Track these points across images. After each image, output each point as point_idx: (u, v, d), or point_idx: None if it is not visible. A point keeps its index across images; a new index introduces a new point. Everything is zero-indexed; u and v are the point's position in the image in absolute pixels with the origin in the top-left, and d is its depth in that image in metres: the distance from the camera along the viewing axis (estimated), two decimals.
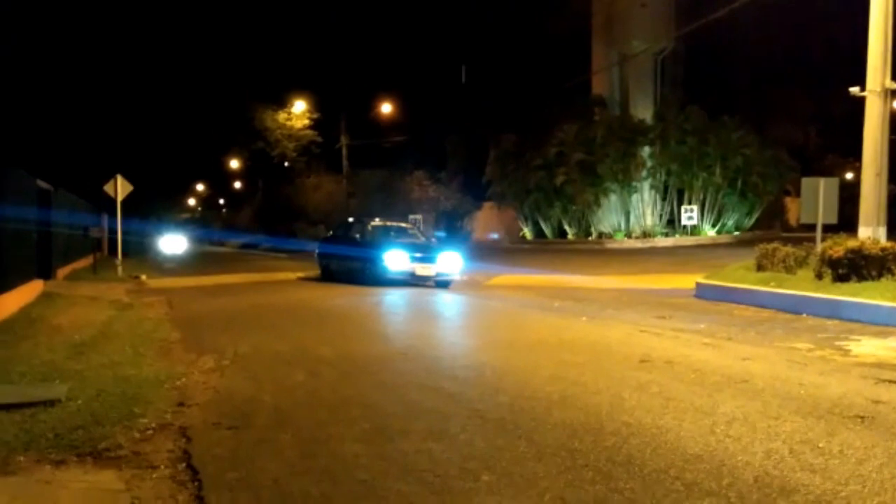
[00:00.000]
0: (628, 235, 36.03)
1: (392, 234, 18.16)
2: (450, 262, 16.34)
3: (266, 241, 45.78)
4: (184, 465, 4.02)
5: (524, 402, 5.21)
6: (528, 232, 41.96)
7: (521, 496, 3.42)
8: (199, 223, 72.96)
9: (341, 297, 13.96)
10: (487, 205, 45.95)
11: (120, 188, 18.96)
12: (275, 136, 51.51)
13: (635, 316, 10.13)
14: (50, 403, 5.17)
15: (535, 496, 3.41)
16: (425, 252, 16.43)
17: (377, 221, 19.41)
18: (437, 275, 16.14)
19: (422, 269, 16.01)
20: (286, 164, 53.48)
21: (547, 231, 40.34)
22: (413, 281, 16.13)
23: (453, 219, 50.05)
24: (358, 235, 18.01)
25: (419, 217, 45.41)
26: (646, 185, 36.63)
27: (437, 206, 49.00)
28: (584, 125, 37.03)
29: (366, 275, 16.35)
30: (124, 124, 40.74)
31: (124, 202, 19.70)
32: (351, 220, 22.23)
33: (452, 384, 5.84)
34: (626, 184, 36.22)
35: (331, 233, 21.95)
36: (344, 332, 9.24)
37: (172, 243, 42.87)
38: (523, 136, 39.61)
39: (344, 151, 47.54)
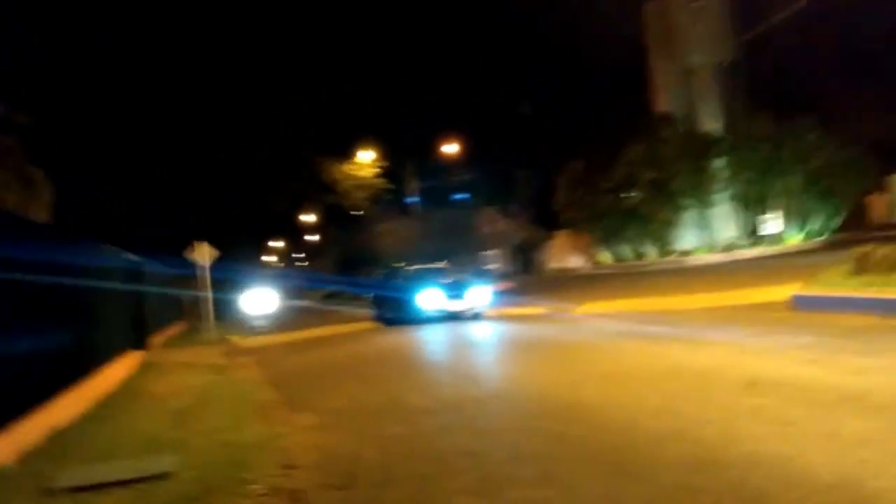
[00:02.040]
0: (710, 250, 35.19)
1: (426, 275, 19.96)
2: (478, 296, 18.24)
3: (347, 288, 46.44)
4: None
5: (632, 438, 5.04)
6: (604, 257, 41.48)
7: None
8: (281, 276, 74.63)
9: (418, 340, 14.45)
10: (560, 233, 45.74)
11: (207, 254, 19.59)
12: (344, 187, 52.51)
13: (732, 336, 9.79)
14: (162, 476, 5.26)
15: None
16: (455, 289, 18.27)
17: (413, 266, 21.66)
18: (468, 309, 17.95)
19: (453, 305, 17.92)
20: (359, 212, 54.42)
21: (624, 253, 39.80)
22: (447, 316, 17.87)
23: (527, 251, 49.95)
24: (399, 280, 20.16)
25: (493, 252, 45.50)
26: (722, 197, 35.87)
27: (509, 239, 49.03)
28: (651, 143, 36.61)
29: (406, 315, 18.24)
30: (201, 192, 42.26)
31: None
32: (391, 267, 25.00)
33: (554, 424, 5.72)
34: (702, 198, 35.55)
35: (379, 279, 24.22)
36: (430, 377, 9.25)
37: (258, 300, 43.69)
38: (590, 161, 39.41)
39: (413, 195, 48.11)
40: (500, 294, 28.03)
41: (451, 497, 4.22)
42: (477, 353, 12.14)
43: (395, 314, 19.08)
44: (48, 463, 5.85)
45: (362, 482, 4.79)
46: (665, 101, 39.17)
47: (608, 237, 40.02)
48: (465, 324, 17.04)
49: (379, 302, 21.19)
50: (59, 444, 6.60)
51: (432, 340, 15.06)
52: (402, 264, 22.88)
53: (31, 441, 6.52)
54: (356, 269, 51.47)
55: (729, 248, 34.78)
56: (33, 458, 6.03)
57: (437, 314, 17.90)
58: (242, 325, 28.11)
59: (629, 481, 4.13)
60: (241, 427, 6.91)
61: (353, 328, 19.78)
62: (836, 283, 12.08)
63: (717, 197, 35.69)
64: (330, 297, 48.22)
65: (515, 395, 7.24)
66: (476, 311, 18.06)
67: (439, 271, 20.95)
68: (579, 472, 4.41)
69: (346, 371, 10.87)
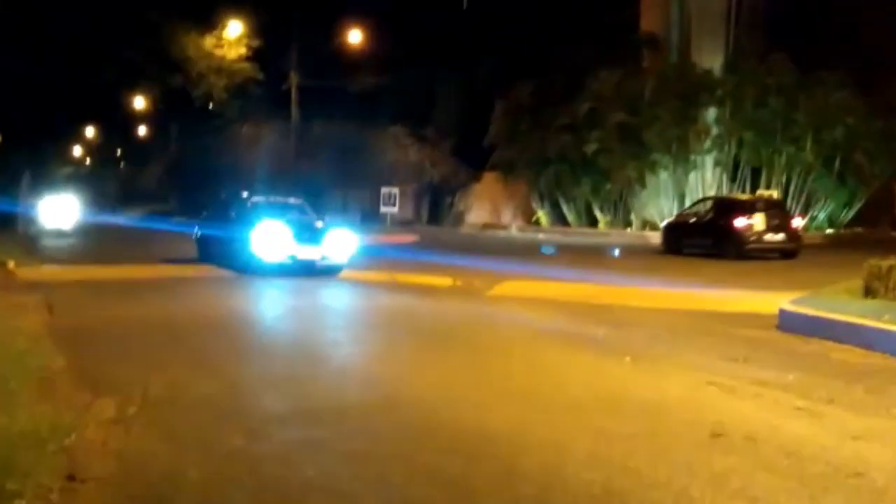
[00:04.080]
0: None
1: (270, 211, 20.88)
2: (338, 243, 19.26)
3: (180, 213, 45.57)
4: None
5: (554, 496, 5.12)
6: (543, 216, 42.09)
7: None
8: (89, 181, 72.49)
9: (267, 303, 15.25)
10: (489, 176, 46.09)
11: None
12: (198, 69, 51.18)
13: (698, 356, 10.07)
14: None
15: None
16: (307, 232, 19.32)
17: (255, 197, 22.47)
18: (322, 258, 19.00)
19: (302, 252, 18.82)
20: (212, 106, 53.21)
21: (570, 216, 40.49)
22: (294, 267, 18.73)
23: (442, 193, 50.12)
24: (233, 213, 21.17)
25: (395, 190, 45.45)
26: (709, 159, 36.78)
27: (421, 174, 49.08)
28: (629, 74, 37.14)
29: (238, 258, 19.23)
30: None
31: None
32: (224, 195, 26.23)
33: (452, 462, 5.75)
34: (683, 157, 36.36)
35: (205, 212, 24.78)
36: (283, 365, 9.30)
37: (58, 210, 42.39)
38: (543, 86, 39.64)
39: (294, 94, 47.33)
40: (397, 249, 28.23)
41: None
42: (348, 334, 12.20)
43: (226, 260, 20.06)
44: None
45: None
46: (654, 20, 39.65)
47: (552, 191, 40.53)
48: (327, 284, 17.91)
49: (205, 242, 22.24)
50: None
51: (286, 305, 15.48)
52: (244, 193, 23.71)
53: None
54: (199, 186, 50.58)
55: None
56: None
57: (280, 265, 18.70)
58: (29, 245, 27.28)
59: None
60: (13, 408, 6.70)
61: (178, 272, 19.83)
62: (837, 304, 12.50)
63: (700, 159, 36.56)
64: (155, 217, 47.17)
65: (403, 410, 7.25)
66: (333, 263, 19.16)
67: (291, 207, 22.06)
68: None
69: (166, 337, 10.81)
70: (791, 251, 26.18)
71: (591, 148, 36.96)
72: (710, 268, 23.09)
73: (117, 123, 65.07)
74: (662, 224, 31.89)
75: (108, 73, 50.60)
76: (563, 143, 37.94)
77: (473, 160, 46.18)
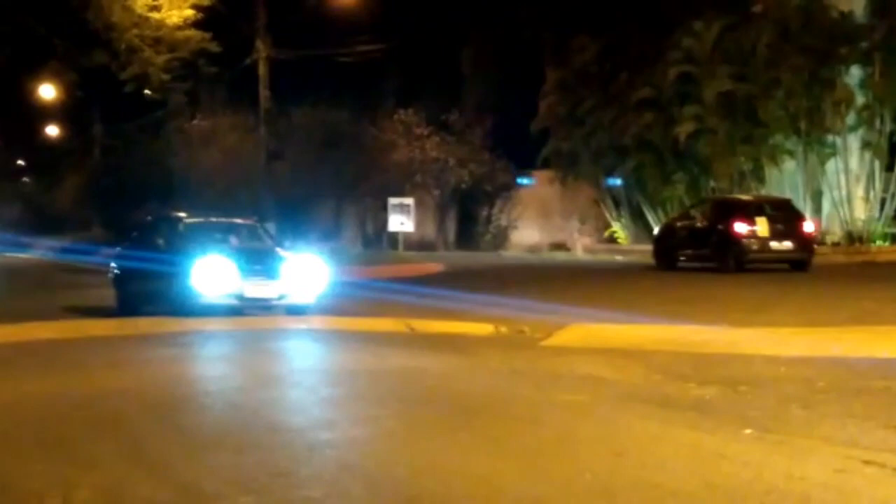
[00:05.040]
0: (820, 240, 35.99)
1: (213, 236, 22.51)
2: (302, 277, 20.33)
3: (112, 244, 45.71)
4: None
5: None
6: (620, 229, 42.00)
7: None
8: None
9: (246, 371, 14.96)
10: (541, 176, 46.20)
11: None
12: (127, 41, 51.16)
13: (849, 425, 9.94)
14: None
15: None
16: (261, 262, 20.56)
17: (190, 219, 23.91)
18: (280, 297, 20.05)
19: (255, 289, 19.97)
20: (148, 93, 53.36)
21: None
22: (242, 310, 20.04)
23: (475, 202, 50.11)
24: (161, 241, 22.57)
25: (408, 201, 45.53)
26: (853, 140, 36.59)
27: (445, 176, 49.04)
28: (734, 23, 36.99)
29: (168, 300, 20.43)
30: None
31: None
32: (152, 217, 28.34)
33: None
34: (816, 139, 36.18)
35: (125, 240, 26.60)
36: (275, 457, 9.13)
37: None
38: (613, 45, 39.56)
39: (262, 71, 47.43)
40: (412, 284, 28.26)
41: None
42: (346, 411, 11.64)
43: (153, 302, 21.20)
44: None
45: None
46: None
47: (631, 194, 40.46)
48: (304, 336, 18.42)
49: (126, 277, 23.43)
50: None
51: (248, 369, 15.19)
52: (180, 214, 25.11)
53: None
54: (133, 203, 50.86)
55: (856, 237, 35.52)
56: None
57: (224, 307, 19.70)
58: None
59: None
60: None
61: (104, 327, 19.98)
62: None
63: (840, 140, 36.41)
64: (74, 252, 47.24)
65: None
66: (295, 303, 20.24)
67: (238, 230, 23.74)
68: None
69: (93, 423, 10.52)
70: (800, 261, 29.62)
71: (684, 129, 36.94)
72: (858, 293, 22.96)
73: (17, 123, 65.28)
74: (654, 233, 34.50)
75: None
76: (645, 125, 37.91)
77: (517, 154, 46.27)
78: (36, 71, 54.89)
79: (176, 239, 22.15)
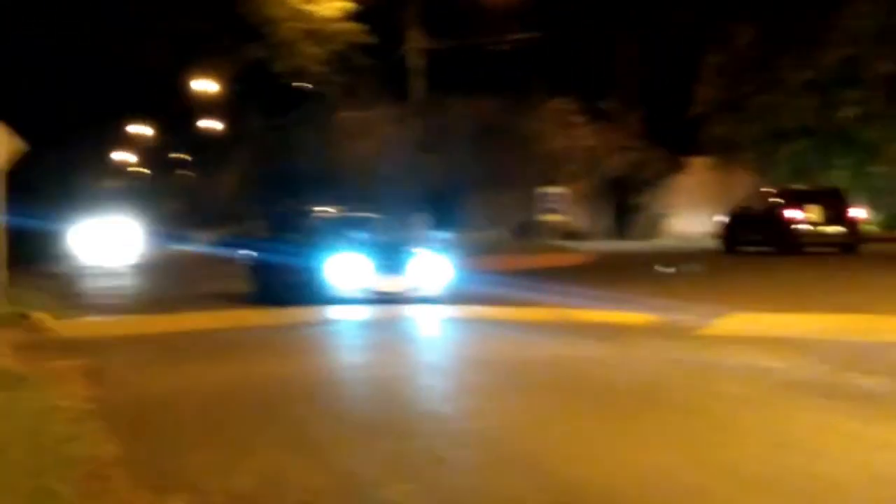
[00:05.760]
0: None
1: (347, 230, 23.33)
2: (429, 271, 21.29)
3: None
4: None
5: None
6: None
7: None
8: (142, 197, 73.99)
9: (393, 359, 14.97)
10: (699, 163, 45.77)
11: (4, 148, 19.36)
12: (283, 35, 51.62)
13: None
14: None
15: None
16: (392, 256, 21.42)
17: (323, 212, 25.15)
18: (411, 290, 20.91)
19: (386, 283, 20.82)
20: (303, 86, 53.74)
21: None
22: (376, 303, 20.40)
23: (629, 191, 49.75)
24: (296, 234, 23.32)
25: (561, 190, 45.35)
26: None
27: (598, 165, 48.75)
28: None
29: (308, 291, 20.81)
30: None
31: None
32: (284, 210, 29.22)
33: None
34: None
35: (259, 232, 27.98)
36: (430, 444, 9.06)
37: (112, 239, 43.32)
38: (772, 28, 38.97)
39: (415, 62, 47.46)
40: (557, 274, 28.09)
41: None
42: (499, 400, 11.39)
43: (289, 291, 21.52)
44: None
45: None
46: None
47: (792, 180, 39.83)
48: (446, 326, 19.19)
49: (260, 270, 24.11)
50: None
51: (395, 358, 15.29)
52: (313, 207, 26.41)
53: None
54: (287, 196, 51.25)
55: None
56: None
57: (358, 300, 20.45)
58: (65, 289, 28.07)
59: None
60: None
61: (258, 318, 20.39)
62: None
63: None
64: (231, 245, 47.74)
65: None
66: (424, 295, 20.92)
67: (367, 224, 24.61)
68: None
69: (251, 410, 10.80)
70: (849, 244, 33.13)
71: (847, 113, 36.35)
72: None
73: (176, 118, 66.01)
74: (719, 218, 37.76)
75: (161, 50, 51.66)
76: (806, 109, 37.33)
77: (674, 141, 45.85)
78: (195, 66, 55.63)
79: (309, 232, 23.08)
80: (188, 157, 76.65)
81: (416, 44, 46.90)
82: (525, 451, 8.87)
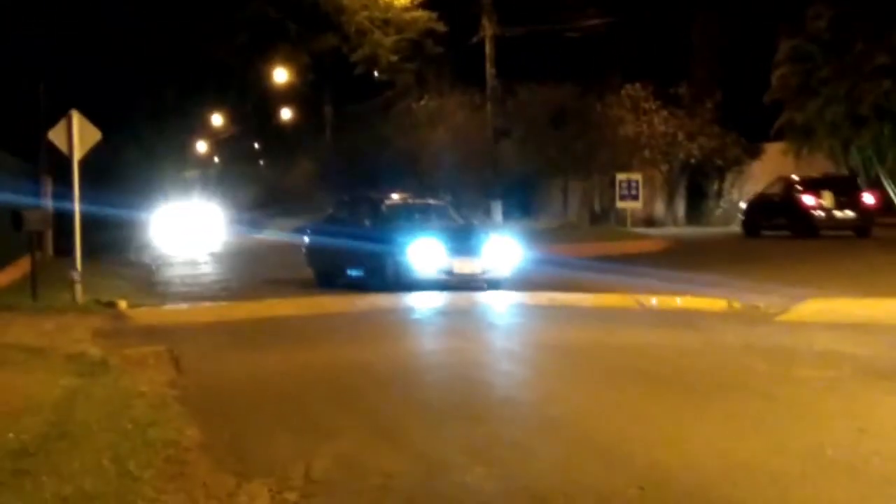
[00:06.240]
0: None
1: (414, 216, 24.32)
2: (500, 254, 22.08)
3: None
4: None
5: None
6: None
7: None
8: (219, 186, 74.44)
9: (470, 344, 15.09)
10: (774, 148, 45.21)
11: (78, 137, 19.32)
12: (357, 24, 51.63)
13: None
14: None
15: None
16: (465, 241, 22.39)
17: (390, 200, 25.28)
18: (484, 272, 21.81)
19: (462, 265, 21.60)
20: (378, 75, 53.70)
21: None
22: (450, 285, 21.35)
23: (705, 177, 49.33)
24: (366, 220, 23.95)
25: (636, 177, 45.08)
26: None
27: (674, 151, 48.37)
28: None
29: (386, 275, 21.78)
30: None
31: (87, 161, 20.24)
32: (350, 198, 28.73)
33: None
34: None
35: (325, 217, 28.33)
36: (508, 429, 9.03)
37: (191, 227, 43.57)
38: (848, 11, 38.46)
39: (488, 49, 47.23)
40: (632, 262, 27.89)
41: None
42: (574, 385, 11.37)
43: (362, 275, 23.23)
44: None
45: None
46: None
47: (869, 166, 39.47)
48: (517, 310, 19.35)
49: (321, 253, 24.96)
50: None
51: (471, 343, 15.37)
52: (378, 195, 26.65)
53: None
54: (363, 184, 51.17)
55: None
56: None
57: (433, 282, 21.39)
58: (145, 278, 28.28)
59: None
60: (130, 497, 6.86)
61: (332, 304, 20.56)
62: None
63: None
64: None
65: (672, 488, 6.99)
66: (495, 277, 22.00)
67: (434, 211, 25.61)
68: None
69: (329, 395, 10.93)
70: (862, 228, 34.85)
71: None
72: None
73: (252, 107, 66.33)
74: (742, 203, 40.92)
75: (237, 39, 51.89)
76: (883, 93, 36.81)
77: (749, 127, 45.31)
78: (270, 56, 55.82)
79: (384, 219, 23.60)
80: (265, 147, 76.88)
81: (488, 31, 46.52)
82: (603, 436, 8.92)
